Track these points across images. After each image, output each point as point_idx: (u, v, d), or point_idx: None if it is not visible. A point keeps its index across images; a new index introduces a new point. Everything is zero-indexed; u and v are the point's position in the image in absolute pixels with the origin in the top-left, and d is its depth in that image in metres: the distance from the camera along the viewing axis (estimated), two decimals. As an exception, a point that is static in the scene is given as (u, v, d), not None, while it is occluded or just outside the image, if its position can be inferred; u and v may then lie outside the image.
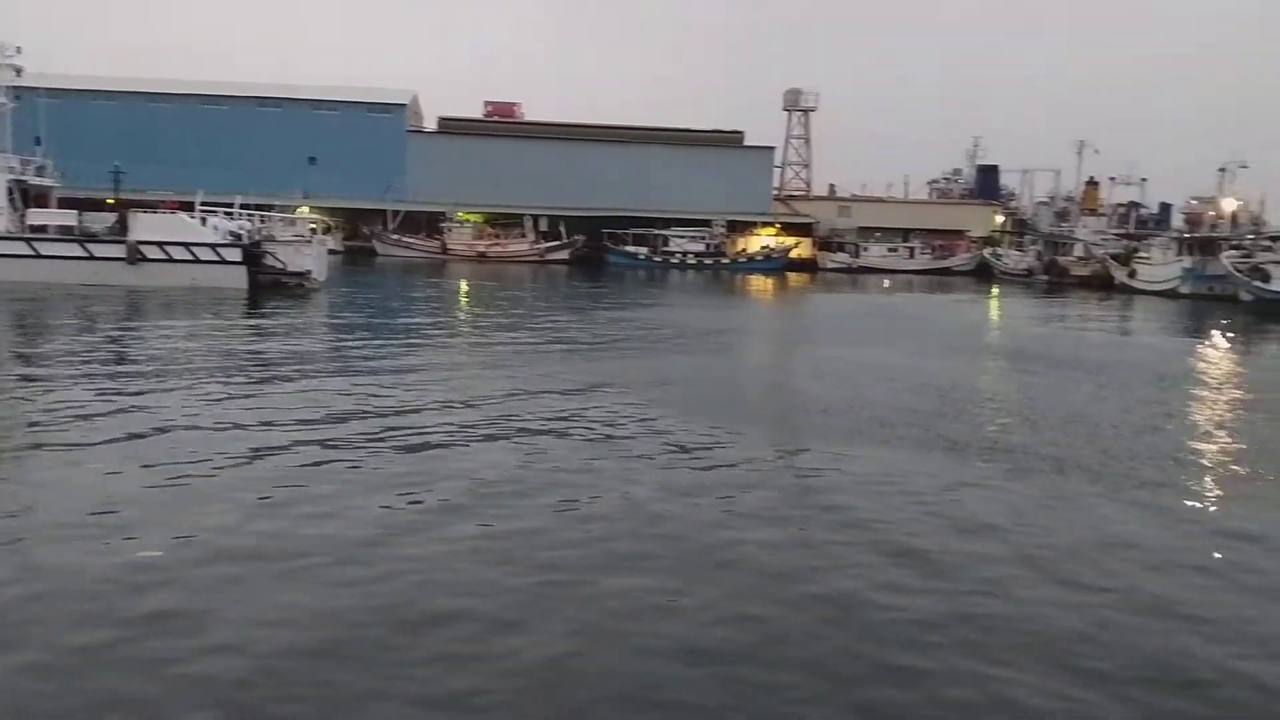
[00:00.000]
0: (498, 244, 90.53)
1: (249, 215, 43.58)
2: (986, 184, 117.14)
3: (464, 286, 53.25)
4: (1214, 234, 68.39)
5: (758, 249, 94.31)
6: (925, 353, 27.47)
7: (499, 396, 17.59)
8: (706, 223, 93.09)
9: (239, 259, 39.37)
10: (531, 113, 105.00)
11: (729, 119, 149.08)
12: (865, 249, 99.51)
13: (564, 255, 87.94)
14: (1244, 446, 15.61)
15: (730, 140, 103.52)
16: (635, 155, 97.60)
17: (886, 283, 74.61)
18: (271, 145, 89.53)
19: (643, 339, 29.49)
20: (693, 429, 15.38)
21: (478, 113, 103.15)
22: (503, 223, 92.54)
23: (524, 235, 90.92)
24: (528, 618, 7.79)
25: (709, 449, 14.11)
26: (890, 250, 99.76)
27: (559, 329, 31.33)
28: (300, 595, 8.08)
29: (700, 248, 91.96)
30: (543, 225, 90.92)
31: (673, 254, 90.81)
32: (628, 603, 8.17)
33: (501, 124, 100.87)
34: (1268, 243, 58.87)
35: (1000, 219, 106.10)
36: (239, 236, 40.82)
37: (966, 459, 13.85)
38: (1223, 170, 72.18)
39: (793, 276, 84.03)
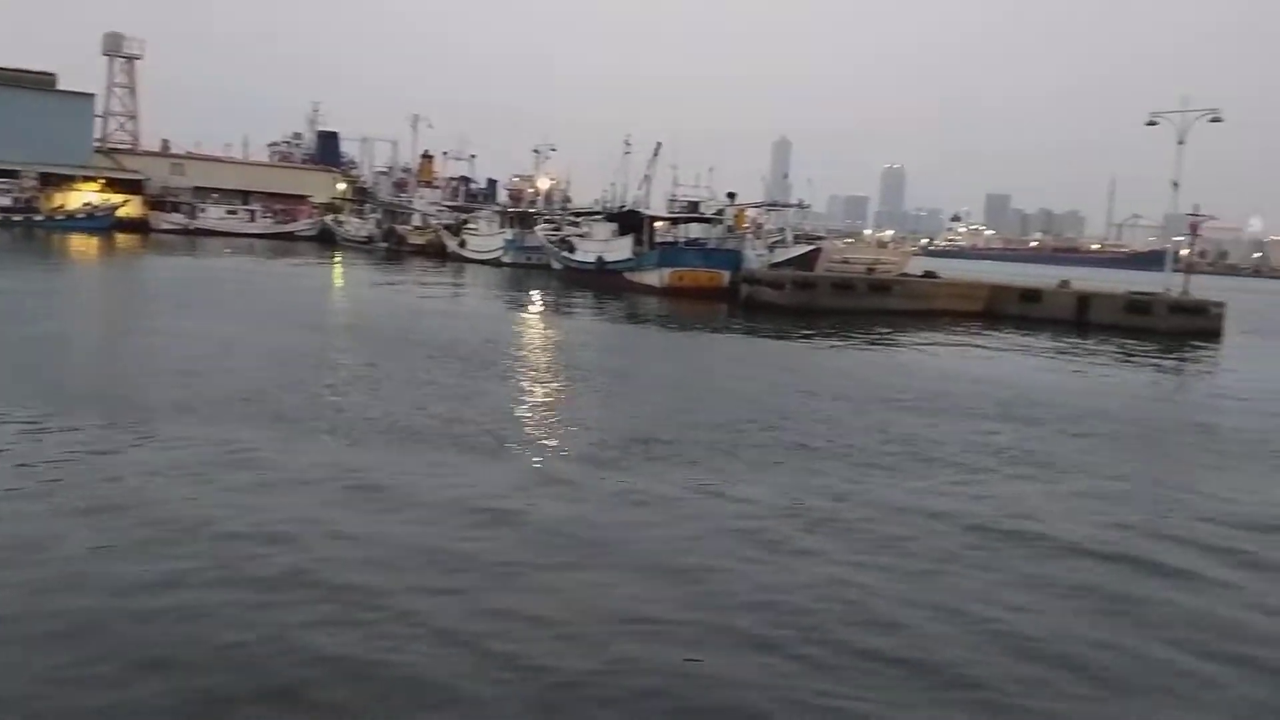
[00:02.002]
0: None
1: None
2: (327, 150, 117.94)
3: None
4: (531, 209, 76.19)
5: (79, 206, 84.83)
6: (267, 322, 27.06)
7: None
8: (14, 174, 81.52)
9: None
10: None
11: (42, 61, 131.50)
12: (203, 210, 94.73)
13: None
14: (558, 400, 17.82)
15: (39, 82, 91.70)
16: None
17: (228, 250, 71.67)
18: None
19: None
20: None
21: None
22: None
23: None
24: None
25: None
26: (230, 212, 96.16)
27: None
28: None
29: (7, 202, 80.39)
30: None
31: (-31, 208, 78.21)
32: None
33: None
34: (573, 218, 67.05)
35: (342, 186, 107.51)
36: None
37: (307, 431, 14.00)
38: (537, 152, 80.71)
39: (122, 237, 77.10)
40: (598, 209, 67.03)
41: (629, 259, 50.37)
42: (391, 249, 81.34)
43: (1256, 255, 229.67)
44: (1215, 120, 44.96)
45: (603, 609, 8.16)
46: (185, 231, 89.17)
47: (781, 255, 50.99)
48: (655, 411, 16.97)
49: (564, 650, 7.28)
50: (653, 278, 47.66)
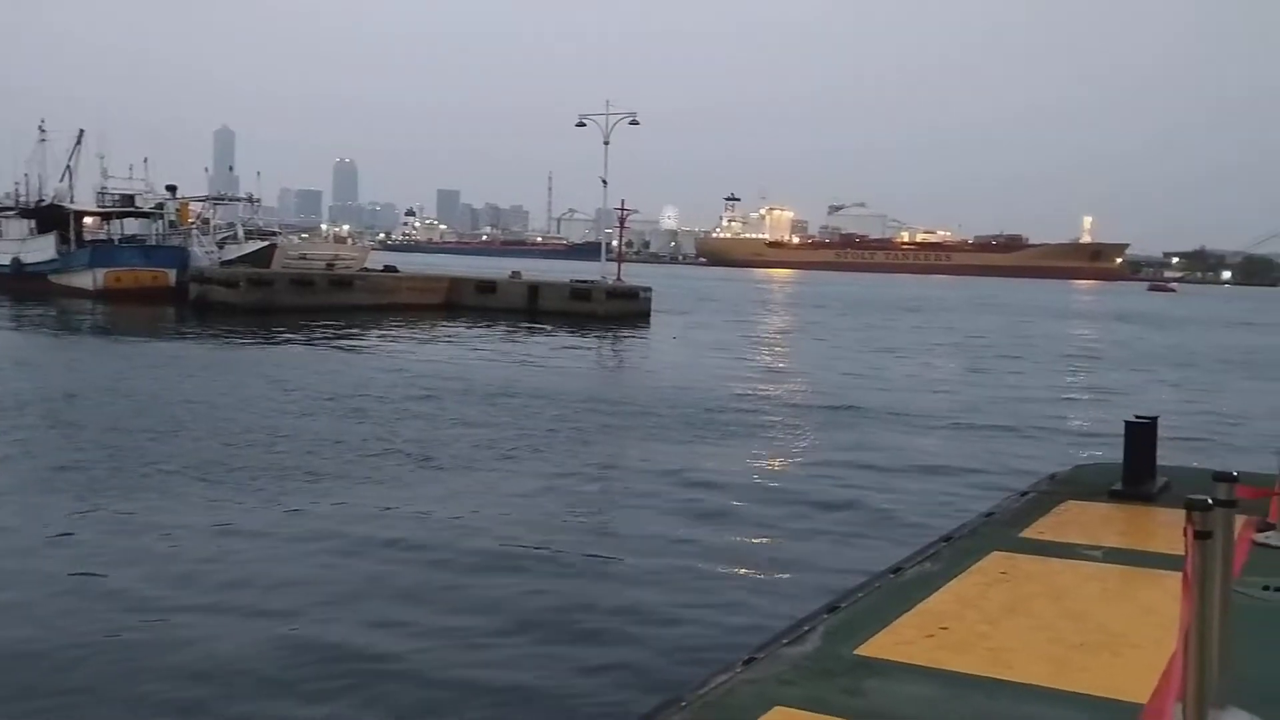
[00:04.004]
0: None
1: None
2: None
3: None
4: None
5: None
6: None
7: None
8: None
9: None
10: None
11: None
12: None
13: None
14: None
15: None
16: None
17: None
18: None
19: None
20: None
21: None
22: None
23: None
24: None
25: None
26: None
27: None
28: None
29: None
30: None
31: None
32: None
33: None
34: None
35: None
36: None
37: None
38: (-78, 136, 68.46)
39: None
40: (9, 204, 58.54)
41: (53, 259, 44.93)
42: None
43: (672, 244, 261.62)
44: (634, 123, 50.34)
45: None
46: None
47: (234, 252, 48.37)
48: (91, 437, 15.12)
49: None
50: (85, 280, 42.98)
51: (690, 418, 18.12)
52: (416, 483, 12.62)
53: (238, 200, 61.50)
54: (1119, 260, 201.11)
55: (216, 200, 57.96)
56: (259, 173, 60.90)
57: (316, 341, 30.27)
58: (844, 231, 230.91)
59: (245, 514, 10.87)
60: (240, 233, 52.76)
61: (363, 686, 6.71)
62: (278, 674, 6.90)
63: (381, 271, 49.64)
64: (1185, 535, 3.47)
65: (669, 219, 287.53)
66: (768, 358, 31.55)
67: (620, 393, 21.79)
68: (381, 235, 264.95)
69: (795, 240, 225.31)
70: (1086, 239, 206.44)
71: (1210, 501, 3.57)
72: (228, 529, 10.29)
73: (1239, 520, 7.27)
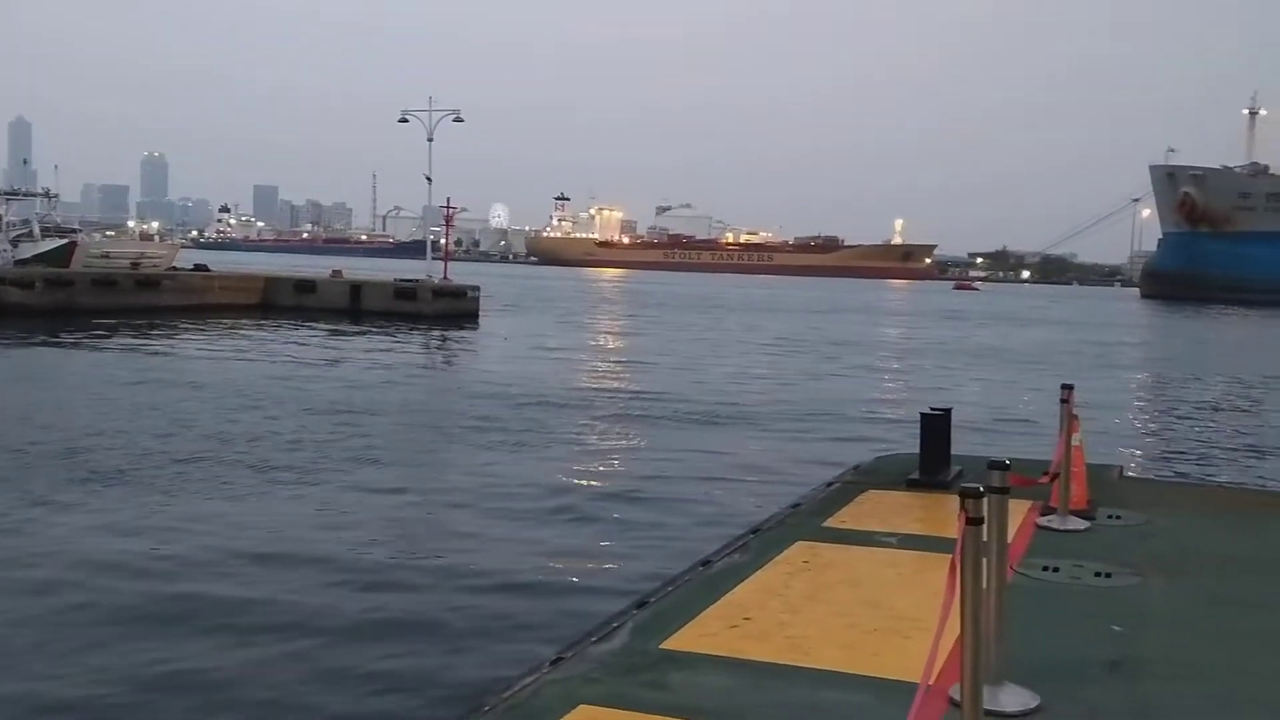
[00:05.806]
0: None
1: None
2: None
3: None
4: None
5: None
6: None
7: None
8: None
9: None
10: None
11: None
12: None
13: None
14: None
15: None
16: None
17: None
18: None
19: None
20: None
21: None
22: None
23: None
24: None
25: None
26: None
27: None
28: None
29: None
30: None
31: None
32: None
33: None
34: None
35: None
36: None
37: None
38: None
39: None
40: None
41: None
42: None
43: (502, 243, 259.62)
44: (458, 120, 49.72)
45: None
46: None
47: (29, 251, 45.22)
48: None
49: None
50: None
51: (503, 420, 17.76)
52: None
53: (33, 195, 57.45)
54: (928, 260, 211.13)
55: (10, 196, 54.01)
56: (57, 166, 57.26)
57: (108, 345, 28.57)
58: (672, 232, 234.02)
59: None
60: (36, 230, 49.35)
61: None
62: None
63: (192, 270, 47.37)
64: (959, 521, 3.62)
65: (498, 218, 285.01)
66: (592, 357, 31.67)
67: (434, 397, 21.41)
68: (194, 233, 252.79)
69: (625, 240, 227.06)
70: (898, 240, 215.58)
71: (981, 489, 3.75)
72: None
73: (1025, 505, 7.77)
